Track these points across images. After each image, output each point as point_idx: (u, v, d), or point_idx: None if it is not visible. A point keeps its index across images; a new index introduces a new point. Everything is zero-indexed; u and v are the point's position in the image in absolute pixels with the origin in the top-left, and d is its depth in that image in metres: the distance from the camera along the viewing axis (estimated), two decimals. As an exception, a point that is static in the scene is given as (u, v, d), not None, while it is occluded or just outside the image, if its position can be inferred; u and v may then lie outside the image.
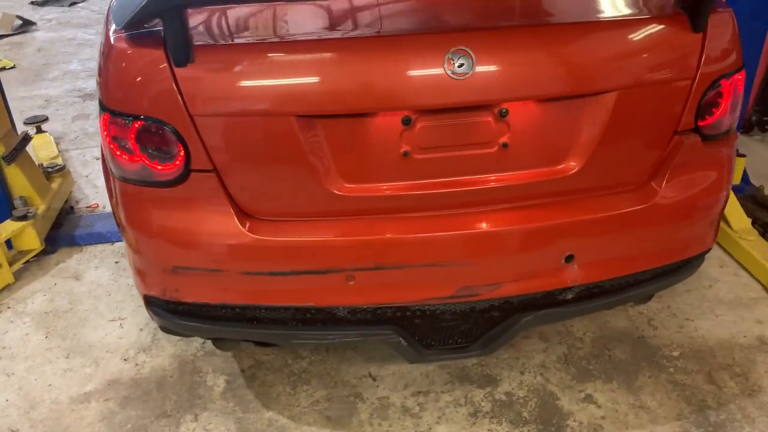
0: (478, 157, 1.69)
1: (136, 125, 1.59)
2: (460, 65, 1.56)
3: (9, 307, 2.75)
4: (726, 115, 1.85)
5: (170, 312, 1.81)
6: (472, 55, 1.56)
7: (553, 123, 1.70)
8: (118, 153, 1.65)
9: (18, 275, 2.92)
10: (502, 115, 1.65)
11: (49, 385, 2.35)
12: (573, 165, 1.73)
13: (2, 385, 2.35)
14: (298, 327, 1.77)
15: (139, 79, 1.58)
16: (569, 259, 1.76)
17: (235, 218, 1.64)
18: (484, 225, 1.69)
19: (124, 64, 1.60)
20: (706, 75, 1.74)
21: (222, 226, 1.65)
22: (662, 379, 2.28)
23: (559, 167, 1.73)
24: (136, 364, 2.43)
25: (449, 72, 1.56)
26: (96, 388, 2.33)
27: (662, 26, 1.70)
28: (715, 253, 2.87)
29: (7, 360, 2.47)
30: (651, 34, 1.69)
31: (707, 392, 2.21)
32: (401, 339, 1.79)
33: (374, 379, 2.32)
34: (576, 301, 1.85)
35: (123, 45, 1.60)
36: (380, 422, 2.16)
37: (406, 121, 1.62)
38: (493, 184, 1.70)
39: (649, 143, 1.77)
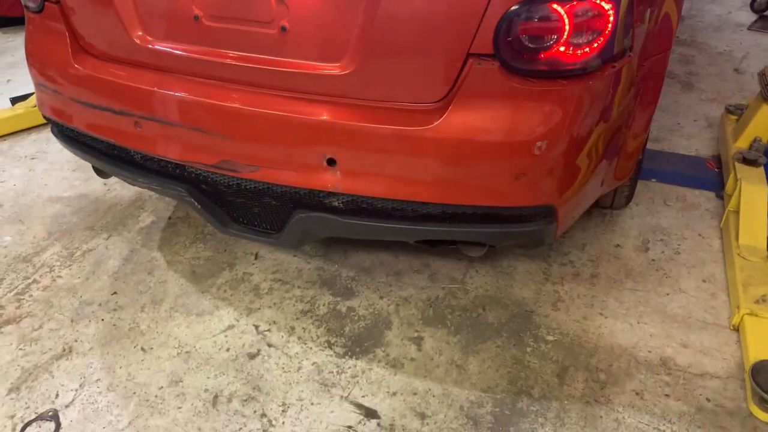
0: (259, 36, 1.70)
1: None
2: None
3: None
4: (561, 49, 1.57)
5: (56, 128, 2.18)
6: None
7: (330, 15, 1.63)
8: None
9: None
10: None
11: (46, 184, 2.94)
12: (348, 65, 1.64)
13: (19, 176, 3.01)
14: (114, 162, 2.01)
15: None
16: (331, 162, 1.70)
17: (69, 48, 1.92)
18: (249, 103, 1.72)
19: None
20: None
21: (59, 53, 1.93)
22: (509, 354, 2.05)
23: (335, 65, 1.66)
24: (108, 190, 2.90)
25: None
26: (70, 196, 2.85)
27: None
28: (709, 268, 2.38)
29: (39, 161, 3.13)
30: None
31: (543, 382, 1.95)
32: (194, 201, 1.92)
33: (256, 258, 2.47)
34: (348, 213, 1.78)
35: None
36: (227, 290, 2.32)
37: None
38: (269, 67, 1.71)
39: (433, 59, 1.60)
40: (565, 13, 1.55)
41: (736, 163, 2.62)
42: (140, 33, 1.82)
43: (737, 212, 2.45)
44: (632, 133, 2.08)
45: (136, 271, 2.41)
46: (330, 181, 1.72)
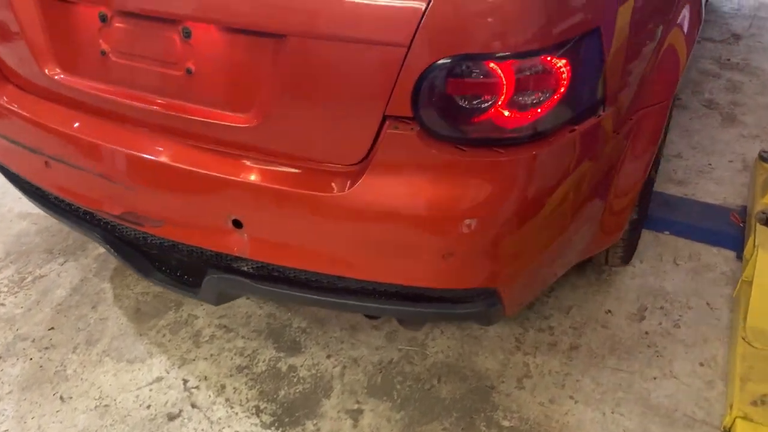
0: (166, 78, 1.50)
1: None
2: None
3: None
4: (497, 113, 1.31)
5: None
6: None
7: (237, 60, 1.42)
8: None
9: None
10: (186, 35, 1.44)
11: (20, 198, 2.85)
12: (256, 117, 1.43)
13: None
14: (32, 196, 1.86)
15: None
16: (237, 224, 1.49)
17: (-8, 79, 1.78)
18: (153, 152, 1.53)
19: None
20: (429, 47, 1.25)
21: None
22: (455, 438, 1.81)
23: (242, 115, 1.45)
24: (79, 208, 2.78)
25: None
26: (39, 213, 2.74)
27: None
28: (711, 348, 2.05)
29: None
30: None
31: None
32: (110, 248, 1.76)
33: (207, 299, 2.29)
34: (261, 279, 1.57)
35: None
36: (166, 333, 2.15)
37: (103, 18, 1.53)
38: (174, 112, 1.51)
39: (346, 118, 1.36)
40: (503, 70, 1.29)
41: (758, 224, 2.27)
42: (51, 65, 1.66)
43: (751, 283, 2.10)
44: (618, 192, 1.78)
45: (81, 304, 2.28)
46: (236, 244, 1.52)
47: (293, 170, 1.44)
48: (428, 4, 1.23)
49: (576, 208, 1.55)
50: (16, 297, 2.32)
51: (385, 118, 1.33)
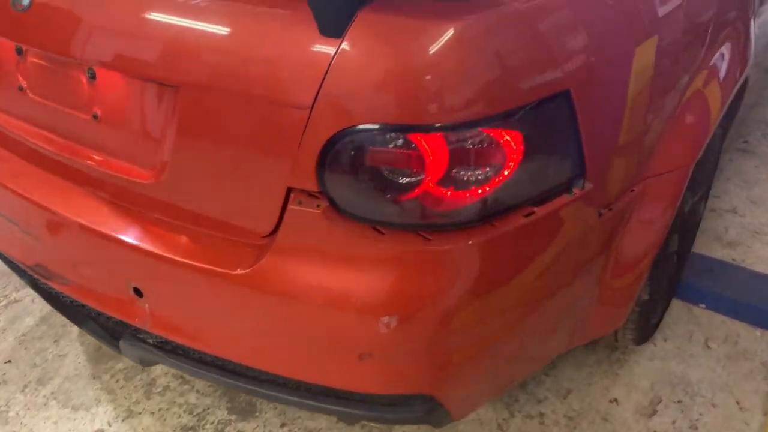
0: (75, 121, 1.33)
1: None
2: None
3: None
4: (424, 192, 1.07)
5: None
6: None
7: (138, 110, 1.23)
8: None
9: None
10: (92, 76, 1.27)
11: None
12: (158, 174, 1.24)
13: None
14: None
15: None
16: (138, 293, 1.31)
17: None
18: (60, 201, 1.36)
19: None
20: (335, 111, 1.02)
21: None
22: None
23: (144, 171, 1.26)
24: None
25: (17, 3, 1.26)
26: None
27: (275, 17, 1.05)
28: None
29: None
30: (260, 21, 1.06)
31: None
32: (39, 294, 1.61)
33: (172, 342, 2.13)
34: (168, 353, 1.38)
35: None
36: (120, 379, 1.99)
37: (19, 51, 1.38)
38: (81, 159, 1.34)
39: (248, 185, 1.14)
40: (428, 143, 1.03)
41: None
42: (-27, 97, 1.53)
43: (791, 388, 1.74)
44: (617, 272, 1.48)
45: (45, 336, 2.16)
46: (138, 314, 1.33)
47: (196, 239, 1.24)
48: (332, 59, 1.00)
49: (538, 300, 1.27)
50: (-15, 322, 2.23)
51: (289, 190, 1.11)
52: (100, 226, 1.30)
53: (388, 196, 1.08)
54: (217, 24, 1.08)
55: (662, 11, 1.34)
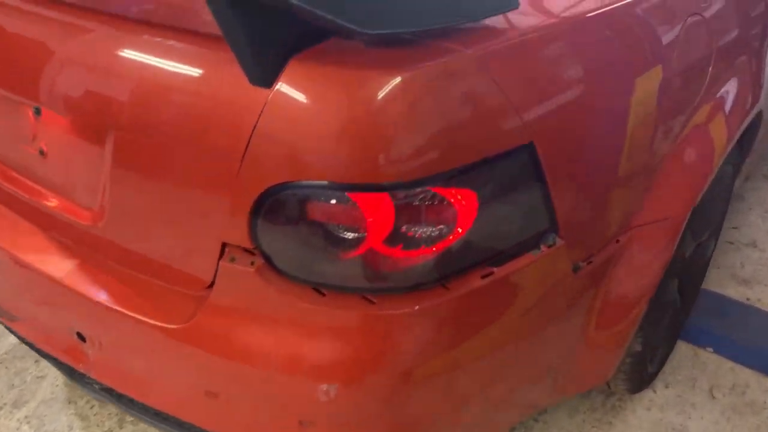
0: (25, 156, 1.28)
1: None
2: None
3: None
4: (371, 250, 0.98)
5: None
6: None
7: (79, 150, 1.16)
8: None
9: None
10: (37, 111, 1.21)
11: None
12: (98, 215, 1.17)
13: None
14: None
15: None
16: (81, 337, 1.25)
17: None
18: (6, 236, 1.31)
19: None
20: (267, 163, 0.94)
21: None
22: None
23: (86, 211, 1.20)
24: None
25: None
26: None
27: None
28: None
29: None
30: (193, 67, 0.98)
31: None
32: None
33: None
34: (116, 399, 1.32)
35: None
36: (95, 405, 1.95)
37: None
38: (29, 195, 1.28)
39: (183, 237, 1.07)
40: (368, 202, 0.95)
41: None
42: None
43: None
44: (602, 324, 1.38)
45: (27, 356, 2.13)
46: (81, 359, 1.28)
47: (138, 287, 1.17)
48: (263, 110, 0.92)
49: (502, 361, 1.17)
50: (-30, 338, 2.21)
51: (224, 244, 1.03)
52: (45, 266, 1.25)
53: (327, 255, 0.99)
54: (148, 68, 1.01)
55: (650, 48, 1.23)
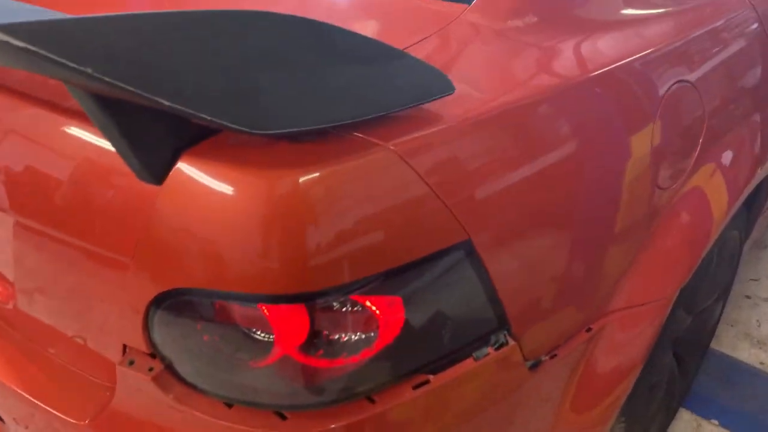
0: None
1: None
2: None
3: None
4: (283, 361, 0.87)
5: None
6: None
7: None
8: None
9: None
10: None
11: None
12: (8, 296, 1.09)
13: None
14: None
15: None
16: (1, 418, 1.17)
17: None
18: None
19: None
20: (157, 269, 0.83)
21: None
22: None
23: (3, 290, 1.12)
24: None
25: None
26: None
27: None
28: None
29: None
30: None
31: None
32: None
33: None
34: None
35: None
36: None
37: None
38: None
39: (88, 330, 0.98)
40: (272, 312, 0.84)
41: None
42: None
43: None
44: (574, 410, 1.25)
45: None
46: (2, 442, 1.19)
47: (55, 374, 1.08)
48: (154, 209, 0.81)
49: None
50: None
51: (125, 346, 0.93)
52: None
53: (234, 363, 0.88)
54: (38, 150, 0.92)
55: (606, 128, 1.10)
